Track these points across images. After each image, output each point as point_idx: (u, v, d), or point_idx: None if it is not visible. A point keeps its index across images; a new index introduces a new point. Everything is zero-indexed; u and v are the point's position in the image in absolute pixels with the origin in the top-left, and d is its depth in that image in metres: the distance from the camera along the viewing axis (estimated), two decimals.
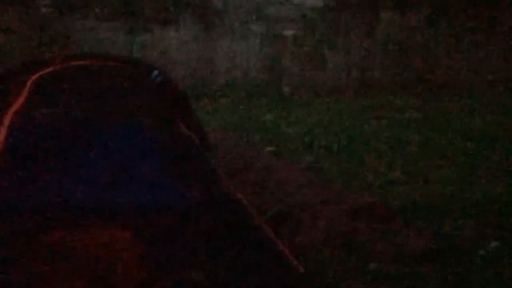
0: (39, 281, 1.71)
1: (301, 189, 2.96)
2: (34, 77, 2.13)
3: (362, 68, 7.05)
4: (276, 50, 7.17)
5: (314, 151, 4.22)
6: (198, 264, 1.93)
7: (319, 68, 7.03)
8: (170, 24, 7.09)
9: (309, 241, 2.52)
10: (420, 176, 3.66)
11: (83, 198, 2.16)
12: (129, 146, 2.30)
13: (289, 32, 7.27)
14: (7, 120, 1.93)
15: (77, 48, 6.16)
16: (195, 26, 7.16)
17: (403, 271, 2.40)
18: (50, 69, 2.21)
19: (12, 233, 1.97)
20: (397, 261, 2.46)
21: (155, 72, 2.35)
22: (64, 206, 2.12)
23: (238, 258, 1.86)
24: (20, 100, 2.01)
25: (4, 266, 1.84)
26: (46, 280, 1.75)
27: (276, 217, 2.51)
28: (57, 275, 1.82)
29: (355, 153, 4.17)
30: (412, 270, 2.41)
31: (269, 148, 4.28)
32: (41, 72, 2.16)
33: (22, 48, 5.86)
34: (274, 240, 1.88)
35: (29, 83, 2.08)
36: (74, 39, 6.36)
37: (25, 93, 2.04)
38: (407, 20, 7.17)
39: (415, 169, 3.82)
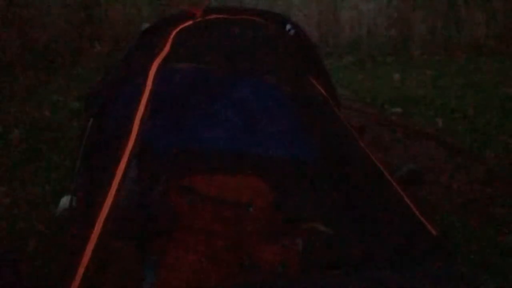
0: (180, 218, 1.87)
1: (433, 152, 2.81)
2: (176, 30, 2.22)
3: (504, 25, 6.32)
4: (404, 5, 6.71)
5: (447, 114, 3.94)
6: (326, 218, 1.95)
7: (453, 24, 6.46)
8: None
9: (441, 206, 2.41)
10: None
11: (219, 146, 2.29)
12: (262, 100, 2.36)
13: None
14: (153, 70, 2.04)
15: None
16: None
17: None
18: (191, 22, 2.28)
19: (154, 174, 2.16)
20: None
21: (289, 26, 2.34)
22: (201, 152, 2.27)
23: (367, 214, 1.84)
24: (164, 51, 2.11)
25: (148, 204, 2.03)
26: (185, 219, 1.90)
27: (408, 176, 2.42)
28: (194, 215, 1.97)
29: (494, 119, 3.82)
30: None
31: (396, 109, 4.10)
32: (183, 26, 2.24)
33: None
34: (405, 199, 1.82)
35: (171, 36, 2.17)
36: None
37: (168, 45, 2.13)
38: None
39: None
